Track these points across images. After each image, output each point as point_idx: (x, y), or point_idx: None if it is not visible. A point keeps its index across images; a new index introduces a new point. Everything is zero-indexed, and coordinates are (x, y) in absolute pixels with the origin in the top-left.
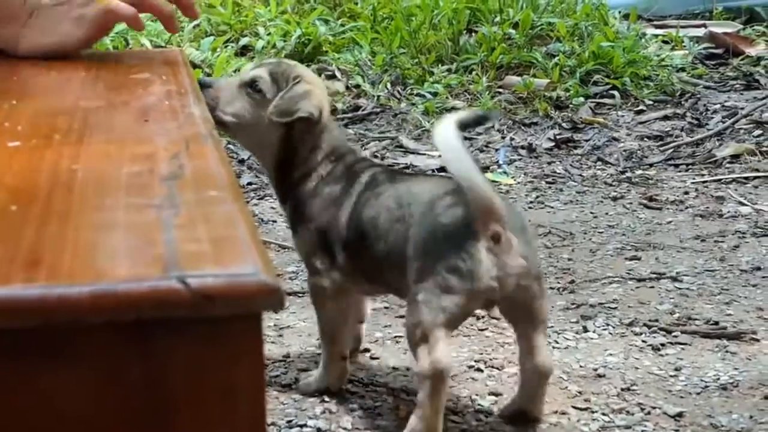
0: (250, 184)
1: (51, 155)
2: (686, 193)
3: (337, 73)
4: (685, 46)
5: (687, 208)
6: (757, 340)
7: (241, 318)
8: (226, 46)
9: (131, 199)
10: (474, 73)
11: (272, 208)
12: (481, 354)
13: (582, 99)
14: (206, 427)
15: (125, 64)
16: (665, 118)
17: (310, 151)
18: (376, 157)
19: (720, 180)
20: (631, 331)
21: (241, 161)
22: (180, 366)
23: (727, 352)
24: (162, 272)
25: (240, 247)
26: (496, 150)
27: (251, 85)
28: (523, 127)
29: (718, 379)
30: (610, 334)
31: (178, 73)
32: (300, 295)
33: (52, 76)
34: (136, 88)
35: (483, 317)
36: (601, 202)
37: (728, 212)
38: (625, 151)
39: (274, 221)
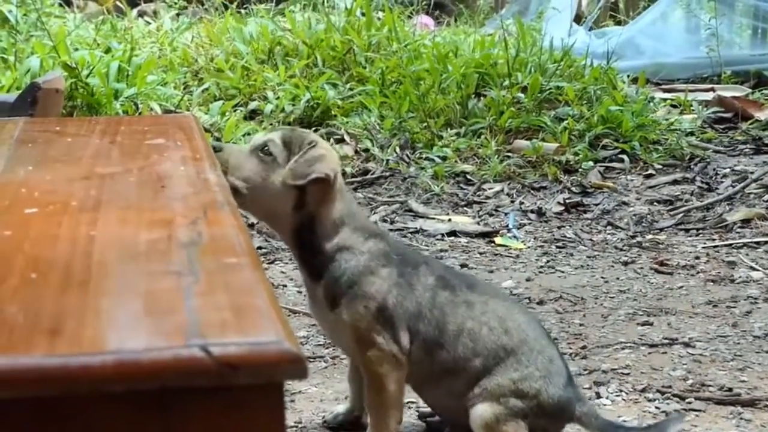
0: (260, 248)
1: (68, 222)
2: (697, 257)
3: (346, 137)
4: (693, 110)
5: (698, 273)
6: None
7: (262, 387)
8: (235, 110)
9: (151, 266)
10: (483, 136)
11: (282, 272)
12: None
13: (591, 163)
14: None
15: (139, 129)
16: (675, 182)
17: (333, 222)
18: (385, 221)
19: (731, 245)
20: (645, 398)
21: (251, 225)
22: None
23: (741, 419)
24: (184, 341)
25: (261, 315)
26: (506, 214)
27: (262, 149)
28: (532, 191)
29: None
30: (624, 400)
31: (192, 138)
32: (311, 360)
33: (68, 143)
34: (151, 154)
35: None
36: (612, 266)
37: (740, 277)
38: (635, 215)
39: (284, 285)
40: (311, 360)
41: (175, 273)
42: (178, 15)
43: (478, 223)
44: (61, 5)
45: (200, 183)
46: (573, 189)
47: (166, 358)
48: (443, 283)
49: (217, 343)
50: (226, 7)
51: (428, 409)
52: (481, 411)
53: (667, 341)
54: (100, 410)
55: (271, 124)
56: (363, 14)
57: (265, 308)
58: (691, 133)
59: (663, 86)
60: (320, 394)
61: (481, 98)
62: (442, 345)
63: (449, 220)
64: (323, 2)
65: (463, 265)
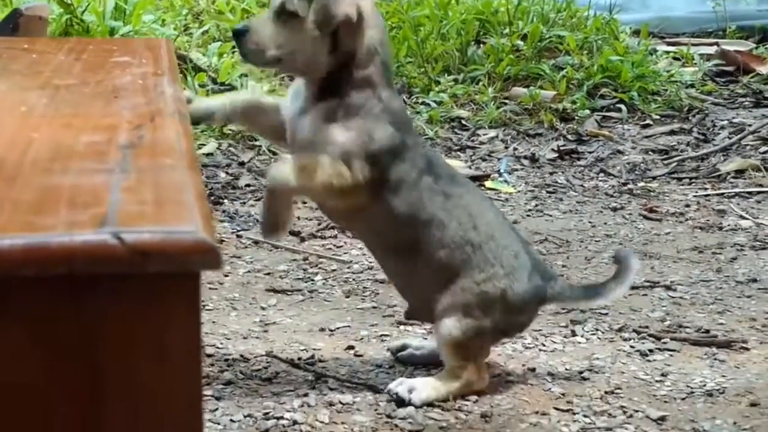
0: (248, 185)
1: (12, 125)
2: (687, 206)
3: None
4: (695, 63)
5: (687, 220)
6: (747, 349)
7: (176, 276)
8: (233, 52)
9: (84, 165)
10: (481, 83)
11: None
12: None
13: (588, 112)
14: (139, 390)
15: (107, 48)
16: (671, 132)
17: (369, 50)
18: None
19: (722, 194)
20: (620, 337)
21: (242, 164)
22: (113, 324)
23: (715, 359)
24: (98, 228)
25: (183, 208)
26: (498, 159)
27: (282, 11)
28: (527, 138)
29: (705, 385)
30: (599, 339)
31: (159, 57)
32: (288, 293)
33: (32, 58)
34: (113, 69)
35: None
36: (601, 212)
37: (728, 225)
38: (628, 163)
39: None
40: (288, 293)
41: (107, 171)
42: None
43: (470, 167)
44: None
45: (155, 95)
46: (568, 137)
47: (76, 243)
48: (430, 169)
49: (131, 230)
50: None
51: (398, 343)
52: (449, 327)
53: (648, 284)
54: (11, 295)
55: None
56: None
57: (188, 202)
58: (692, 86)
59: (667, 39)
60: (294, 326)
61: (481, 45)
62: (410, 224)
63: None
64: None
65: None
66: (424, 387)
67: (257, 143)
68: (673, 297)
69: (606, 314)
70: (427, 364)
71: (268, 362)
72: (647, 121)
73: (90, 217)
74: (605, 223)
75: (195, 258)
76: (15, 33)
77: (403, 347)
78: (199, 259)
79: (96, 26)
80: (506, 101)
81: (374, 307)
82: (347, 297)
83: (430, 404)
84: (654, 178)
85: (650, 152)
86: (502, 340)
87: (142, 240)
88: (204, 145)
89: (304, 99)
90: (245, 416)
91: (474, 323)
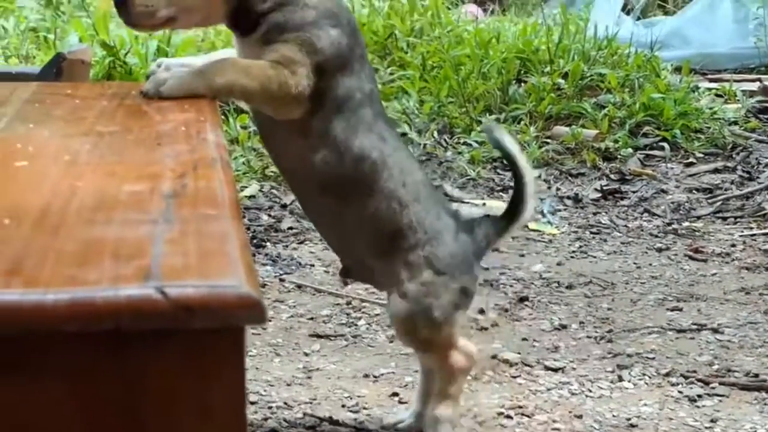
0: (290, 228)
1: (56, 174)
2: (733, 245)
3: None
4: (738, 100)
5: (733, 260)
6: None
7: (220, 332)
8: None
9: (127, 215)
10: (522, 122)
11: (311, 252)
12: (512, 401)
13: (631, 150)
14: None
15: None
16: (715, 170)
17: None
18: None
19: None
20: (668, 382)
21: (284, 206)
22: (156, 380)
23: (765, 405)
24: (142, 282)
25: (226, 261)
26: (542, 200)
27: None
28: (570, 178)
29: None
30: (646, 384)
31: (200, 102)
32: (332, 338)
33: (75, 104)
34: (156, 115)
35: (516, 364)
36: (646, 253)
37: None
38: (672, 203)
39: (312, 265)
40: (332, 338)
41: (150, 221)
42: None
43: None
44: None
45: (198, 141)
46: (611, 176)
47: (121, 298)
48: (372, 100)
49: (175, 284)
50: None
51: (394, 418)
52: (397, 307)
53: (695, 327)
54: (55, 350)
55: None
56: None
57: (231, 255)
58: (735, 123)
59: (709, 76)
60: (338, 372)
61: (522, 84)
62: (342, 155)
63: (483, 204)
64: None
65: (493, 248)
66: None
67: None
68: (721, 340)
69: (653, 358)
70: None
71: (312, 411)
72: (691, 160)
73: (134, 271)
74: (650, 264)
75: (239, 313)
76: (58, 77)
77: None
78: (244, 313)
79: (139, 68)
80: (548, 140)
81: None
82: (391, 342)
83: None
84: (699, 217)
85: (694, 191)
86: (458, 313)
87: (186, 295)
88: (246, 187)
89: (235, 39)
90: None
91: (416, 306)
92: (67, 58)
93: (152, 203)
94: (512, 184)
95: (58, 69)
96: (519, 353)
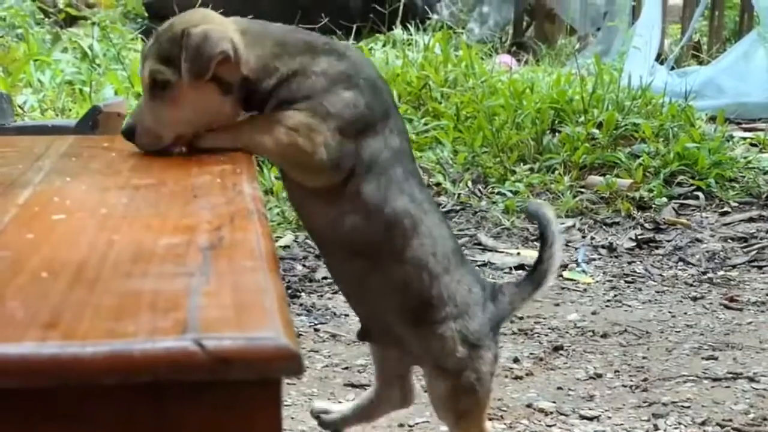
0: (325, 278)
1: (93, 227)
2: None
3: (419, 171)
4: None
5: None
6: None
7: (258, 383)
8: None
9: (164, 268)
10: (556, 172)
11: (345, 302)
12: None
13: (665, 200)
14: None
15: None
16: (750, 219)
17: (265, 67)
18: None
19: None
20: (704, 431)
21: (318, 256)
22: (194, 431)
23: None
24: (180, 335)
25: (263, 313)
26: (576, 249)
27: (156, 84)
28: (604, 227)
29: None
30: None
31: (235, 154)
32: (367, 387)
33: (111, 157)
34: (191, 168)
35: (551, 413)
36: (681, 302)
37: None
38: (707, 252)
39: (347, 315)
40: (367, 387)
41: (187, 274)
42: None
43: None
44: (142, 39)
45: (234, 194)
46: (646, 225)
47: (159, 350)
48: (402, 157)
49: (212, 337)
50: None
51: (323, 405)
52: (439, 386)
53: (731, 375)
54: (92, 403)
55: None
56: (441, 51)
57: (269, 307)
58: None
59: (743, 125)
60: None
61: (556, 134)
62: (373, 219)
63: (518, 253)
64: (402, 39)
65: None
66: None
67: None
68: (757, 389)
69: (688, 407)
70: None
71: None
72: (725, 209)
73: (171, 323)
74: (685, 313)
75: (276, 365)
76: (95, 130)
77: (325, 411)
78: (281, 365)
79: None
80: (582, 190)
81: None
82: (425, 391)
83: None
84: (734, 266)
85: (729, 240)
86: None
87: (223, 347)
88: (280, 237)
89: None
90: None
91: (459, 383)
92: (103, 111)
93: (189, 256)
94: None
95: (94, 122)
96: (554, 402)
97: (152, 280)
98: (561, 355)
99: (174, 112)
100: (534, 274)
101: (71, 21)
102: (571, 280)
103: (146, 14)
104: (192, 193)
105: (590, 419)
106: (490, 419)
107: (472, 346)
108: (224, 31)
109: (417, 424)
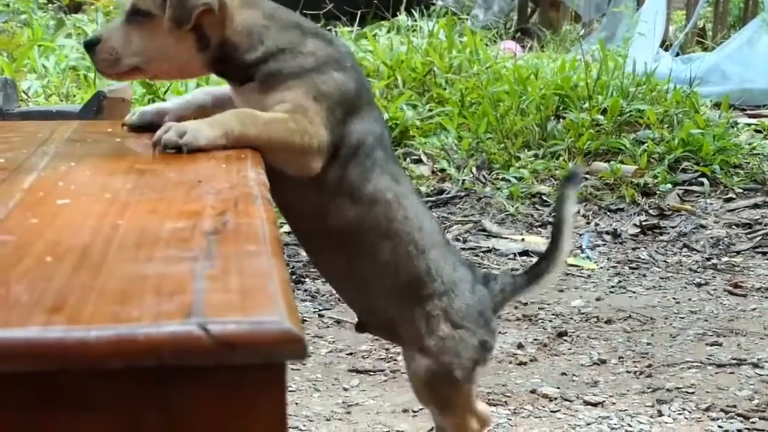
0: None
1: (97, 212)
2: None
3: (423, 158)
4: None
5: None
6: None
7: (263, 367)
8: None
9: (169, 252)
10: (561, 158)
11: None
12: None
13: (670, 186)
14: None
15: None
16: (755, 206)
17: (250, 34)
18: (458, 240)
19: None
20: (708, 416)
21: None
22: (198, 415)
23: None
24: (184, 319)
25: (268, 297)
26: (580, 235)
27: (135, 12)
28: (608, 213)
29: None
30: (686, 419)
31: None
32: (371, 373)
33: (116, 142)
34: (197, 153)
35: (555, 398)
36: (685, 288)
37: None
38: (712, 238)
39: None
40: (371, 373)
41: (191, 258)
42: None
43: None
44: None
45: (238, 179)
46: (650, 211)
47: (163, 335)
48: (383, 140)
49: (217, 321)
50: None
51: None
52: (417, 366)
53: (735, 362)
54: (96, 386)
55: None
56: (445, 37)
57: (273, 292)
58: None
59: (748, 112)
60: (377, 406)
61: (561, 120)
62: (356, 200)
63: (522, 239)
64: (407, 26)
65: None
66: None
67: None
68: (761, 375)
69: (693, 393)
70: None
71: None
72: (730, 195)
73: (176, 307)
74: (690, 300)
75: (281, 349)
76: (99, 115)
77: None
78: (285, 349)
79: None
80: (587, 176)
81: None
82: None
83: None
84: (738, 252)
85: (734, 226)
86: (477, 369)
87: (228, 331)
88: (285, 223)
89: (232, 88)
90: None
91: (436, 364)
92: (108, 97)
93: (193, 240)
94: (551, 219)
95: (98, 107)
96: (558, 388)
97: (157, 265)
98: (565, 341)
99: (143, 44)
100: (535, 268)
101: (75, 7)
102: (576, 266)
103: None
104: (196, 179)
105: (594, 405)
106: (493, 404)
107: (455, 326)
108: None
109: (421, 409)
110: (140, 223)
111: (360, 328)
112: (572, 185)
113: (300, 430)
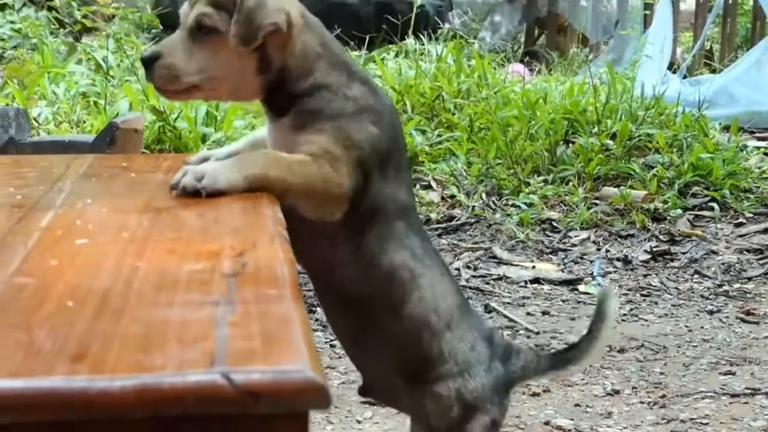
0: None
1: (116, 252)
2: None
3: (433, 183)
4: None
5: None
6: None
7: (286, 416)
8: None
9: (189, 296)
10: (570, 184)
11: None
12: None
13: (680, 211)
14: None
15: None
16: (765, 231)
17: (306, 60)
18: (468, 267)
19: None
20: None
21: None
22: None
23: None
24: (208, 368)
25: (290, 345)
26: (591, 262)
27: (199, 28)
28: (619, 239)
29: None
30: None
31: None
32: (383, 405)
33: (131, 178)
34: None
35: (569, 430)
36: (697, 315)
37: None
38: (723, 264)
39: None
40: (383, 405)
41: (212, 303)
42: None
43: (563, 271)
44: None
45: (255, 217)
46: (661, 237)
47: (188, 384)
48: (406, 212)
49: (240, 370)
50: None
51: None
52: None
53: (749, 391)
54: None
55: None
56: (453, 61)
57: (295, 339)
58: None
59: (757, 134)
60: None
61: (570, 145)
62: (371, 267)
63: (533, 267)
64: (414, 49)
65: (544, 312)
66: None
67: None
68: None
69: (707, 424)
70: None
71: None
72: (740, 220)
73: (199, 355)
74: (702, 327)
75: (305, 398)
76: (112, 146)
77: None
78: (309, 398)
79: (188, 132)
80: (597, 201)
81: None
82: None
83: None
84: (749, 278)
85: (745, 252)
86: None
87: (251, 381)
88: None
89: (267, 120)
90: None
91: None
92: (120, 128)
93: (213, 283)
94: (561, 246)
95: (111, 138)
96: (572, 419)
97: (178, 309)
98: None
99: (205, 61)
100: (564, 354)
101: (85, 32)
102: (587, 293)
103: (160, 25)
104: (213, 216)
105: None
106: None
107: (469, 407)
108: (282, 3)
109: None
110: (159, 264)
111: (364, 391)
112: (608, 300)
113: None
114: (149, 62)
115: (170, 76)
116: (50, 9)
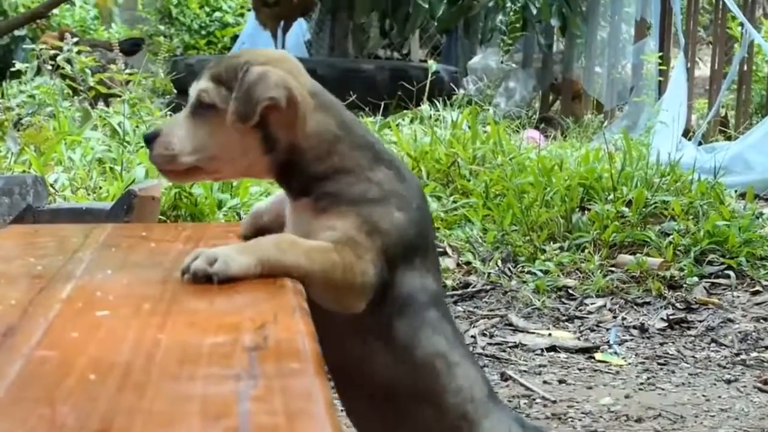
0: None
1: (137, 325)
2: None
3: (448, 250)
4: None
5: None
6: None
7: None
8: None
9: (211, 369)
10: (586, 251)
11: None
12: None
13: (696, 279)
14: None
15: (223, 234)
16: None
17: (322, 140)
18: (484, 335)
19: None
20: None
21: None
22: None
23: None
24: None
25: (314, 421)
26: (607, 330)
27: (199, 105)
28: (635, 307)
29: None
30: None
31: None
32: None
33: (151, 248)
34: None
35: None
36: (714, 384)
37: None
38: (740, 332)
39: None
40: None
41: (234, 377)
42: None
43: (579, 338)
44: (170, 115)
45: (275, 288)
46: (677, 305)
47: None
48: (438, 301)
49: None
50: None
51: None
52: None
53: None
54: None
55: None
56: (469, 127)
57: (319, 415)
58: None
59: None
60: None
61: (585, 212)
62: (401, 359)
63: (549, 334)
64: (430, 115)
65: (561, 380)
66: None
67: None
68: None
69: None
70: None
71: None
72: (757, 288)
73: (222, 431)
74: (719, 397)
75: None
76: (129, 214)
77: None
78: None
79: (204, 198)
80: (613, 269)
81: None
82: None
83: None
84: (766, 347)
85: (761, 320)
86: None
87: None
88: None
89: (287, 199)
90: None
91: None
92: (138, 195)
93: (235, 357)
94: (578, 314)
95: (129, 206)
96: None
97: (200, 384)
98: None
99: (205, 140)
100: None
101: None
102: (604, 362)
103: (174, 90)
104: (233, 288)
105: None
106: None
107: None
108: (286, 79)
109: None
110: (180, 337)
111: None
112: None
113: None
114: (149, 141)
115: (168, 156)
116: (63, 77)
